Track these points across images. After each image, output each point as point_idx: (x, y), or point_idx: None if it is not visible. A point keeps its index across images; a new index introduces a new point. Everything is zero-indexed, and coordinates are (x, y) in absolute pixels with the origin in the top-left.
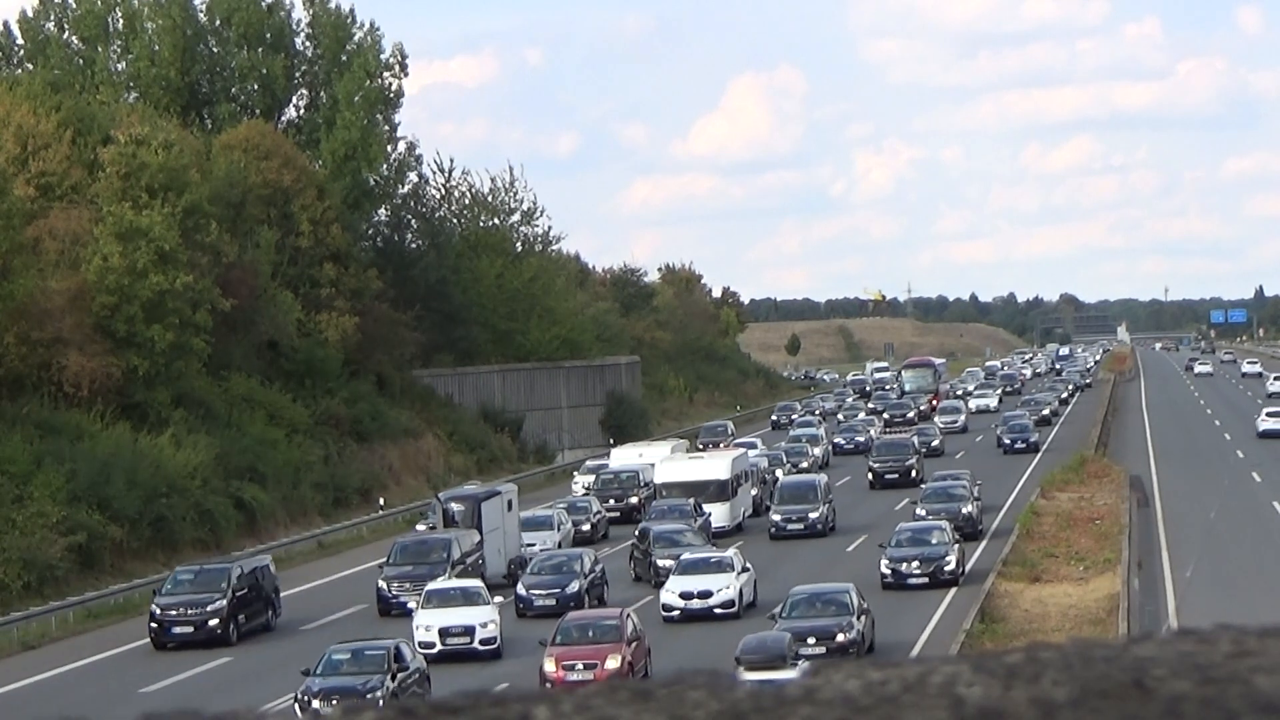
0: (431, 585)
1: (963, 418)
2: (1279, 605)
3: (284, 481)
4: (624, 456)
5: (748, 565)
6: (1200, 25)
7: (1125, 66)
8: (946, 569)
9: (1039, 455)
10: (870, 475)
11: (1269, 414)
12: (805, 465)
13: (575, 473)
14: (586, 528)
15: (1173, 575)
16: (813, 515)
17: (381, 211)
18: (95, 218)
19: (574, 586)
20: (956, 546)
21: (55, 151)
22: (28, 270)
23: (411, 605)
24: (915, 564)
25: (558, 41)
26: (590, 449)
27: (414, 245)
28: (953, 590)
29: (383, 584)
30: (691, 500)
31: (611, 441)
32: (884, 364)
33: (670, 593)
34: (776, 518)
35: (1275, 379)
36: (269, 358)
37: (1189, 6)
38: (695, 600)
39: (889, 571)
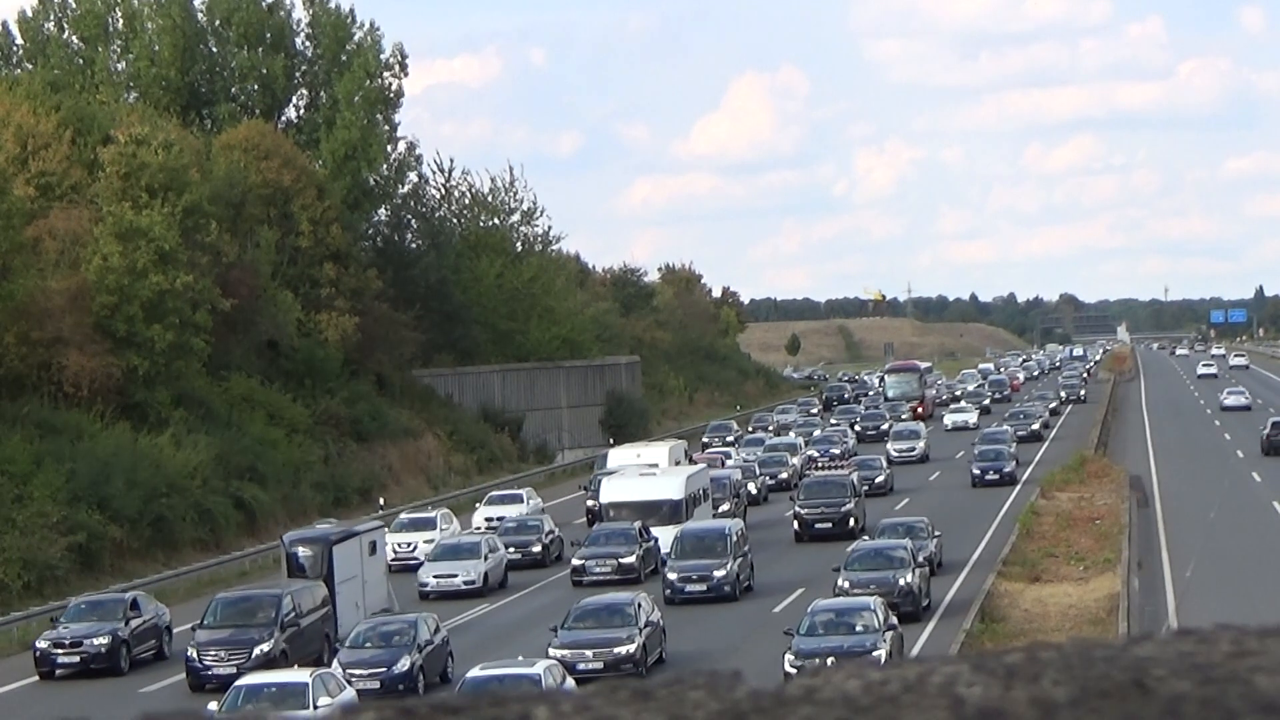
0: (243, 679)
1: (921, 444)
2: (1279, 605)
3: (284, 481)
4: (621, 457)
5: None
6: (1203, 25)
7: (1127, 66)
8: None
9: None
10: (795, 524)
11: (1204, 364)
12: (784, 476)
13: (387, 529)
14: (537, 549)
15: (1173, 575)
16: (718, 574)
17: (381, 211)
18: (95, 218)
19: (404, 664)
20: (890, 635)
21: (55, 151)
22: (28, 270)
23: (212, 706)
24: (831, 661)
25: (560, 41)
26: (590, 449)
27: (414, 245)
28: None
29: (193, 652)
30: (638, 524)
31: (611, 441)
32: None
33: None
34: (672, 576)
35: (1236, 355)
36: (269, 358)
37: (1191, 6)
38: None
39: (795, 670)
